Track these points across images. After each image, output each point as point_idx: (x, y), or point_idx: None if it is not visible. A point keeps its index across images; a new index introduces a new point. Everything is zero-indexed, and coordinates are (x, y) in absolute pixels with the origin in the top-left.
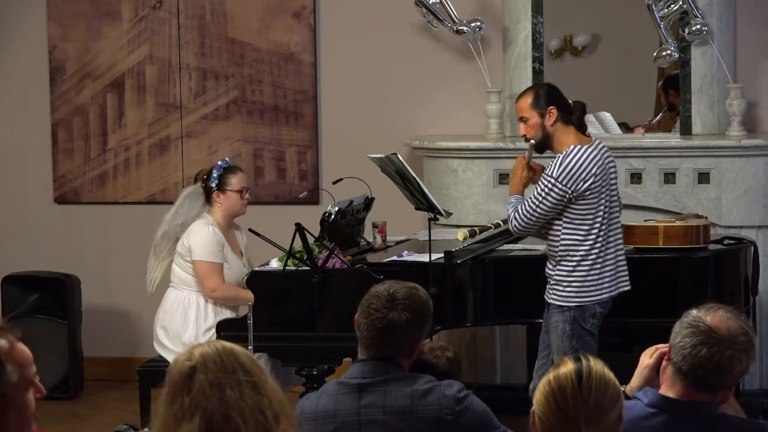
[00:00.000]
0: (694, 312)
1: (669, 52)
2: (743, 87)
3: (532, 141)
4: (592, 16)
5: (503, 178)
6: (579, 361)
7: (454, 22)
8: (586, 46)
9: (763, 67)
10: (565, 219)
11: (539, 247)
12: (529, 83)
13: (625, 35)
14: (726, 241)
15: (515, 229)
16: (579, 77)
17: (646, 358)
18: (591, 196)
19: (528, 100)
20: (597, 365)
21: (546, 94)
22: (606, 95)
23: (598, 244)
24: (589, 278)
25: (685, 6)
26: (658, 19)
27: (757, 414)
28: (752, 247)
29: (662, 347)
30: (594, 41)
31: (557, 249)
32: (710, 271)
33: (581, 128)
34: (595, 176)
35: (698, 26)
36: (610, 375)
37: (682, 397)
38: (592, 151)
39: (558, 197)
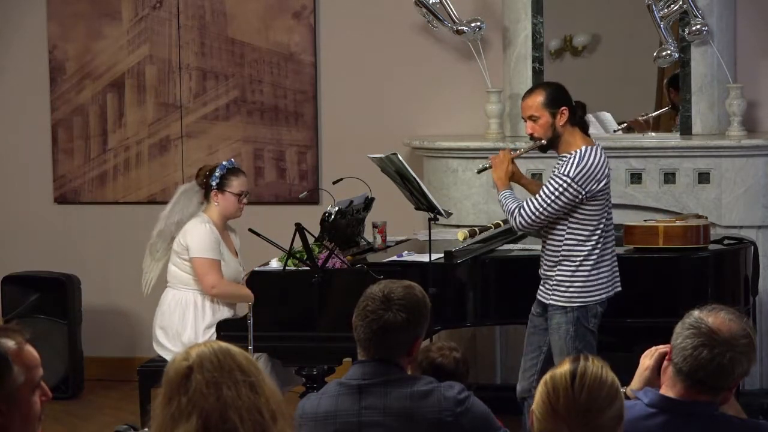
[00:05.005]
0: (695, 313)
1: (669, 52)
2: (743, 87)
3: (543, 141)
4: (592, 16)
5: None
6: (577, 361)
7: (454, 22)
8: (586, 46)
9: (763, 67)
10: (571, 219)
11: (539, 246)
12: (529, 83)
13: (625, 35)
14: (726, 241)
15: (520, 225)
16: (579, 77)
17: (647, 360)
18: (601, 197)
19: (539, 98)
20: (594, 366)
21: (558, 94)
22: (606, 95)
23: (599, 245)
24: (591, 278)
25: (685, 6)
26: (658, 19)
27: (757, 414)
28: (752, 247)
29: (662, 348)
30: (594, 41)
31: (559, 250)
32: (710, 271)
33: (584, 129)
34: (607, 177)
35: (698, 26)
36: (608, 375)
37: (682, 397)
38: (602, 153)
39: (571, 197)
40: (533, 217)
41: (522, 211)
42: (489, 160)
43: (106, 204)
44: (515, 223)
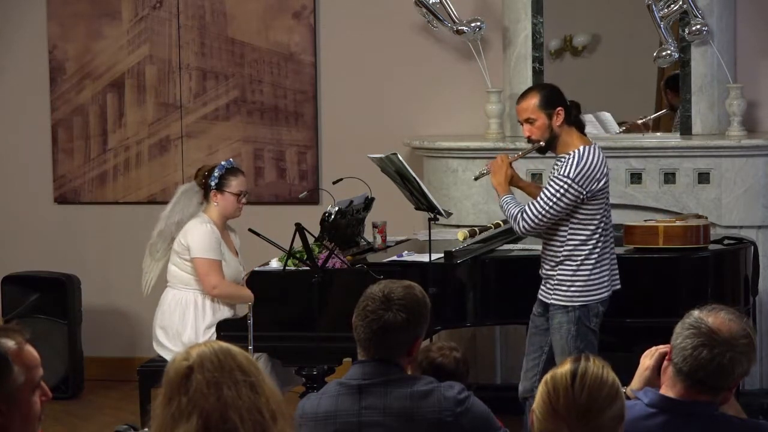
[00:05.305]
0: (695, 313)
1: (669, 52)
2: (743, 87)
3: (541, 143)
4: (592, 16)
5: None
6: (578, 361)
7: (454, 22)
8: (586, 46)
9: (763, 67)
10: (573, 220)
11: (539, 246)
12: (529, 83)
13: (625, 35)
14: (726, 241)
15: (524, 230)
16: (579, 77)
17: (647, 360)
18: (601, 196)
19: (534, 101)
20: (595, 366)
21: (552, 95)
22: (606, 95)
23: (600, 243)
24: (592, 277)
25: (685, 6)
26: (658, 19)
27: (757, 414)
28: (752, 247)
29: (662, 348)
30: (594, 41)
31: (561, 250)
32: (710, 271)
33: (580, 128)
34: (606, 176)
35: (698, 26)
36: (609, 375)
37: (682, 397)
38: (600, 152)
39: (573, 198)
40: (536, 221)
41: (525, 215)
42: (486, 166)
43: (106, 204)
44: (519, 227)
